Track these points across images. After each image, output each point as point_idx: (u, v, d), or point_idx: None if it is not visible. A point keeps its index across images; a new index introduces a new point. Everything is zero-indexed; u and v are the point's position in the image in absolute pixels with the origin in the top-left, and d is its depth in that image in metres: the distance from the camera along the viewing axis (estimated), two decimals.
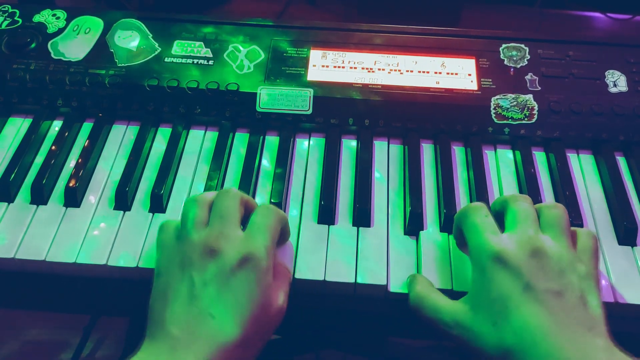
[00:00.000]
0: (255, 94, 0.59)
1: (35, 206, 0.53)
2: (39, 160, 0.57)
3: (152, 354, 0.40)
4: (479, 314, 0.42)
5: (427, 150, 0.59)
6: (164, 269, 0.44)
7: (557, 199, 0.55)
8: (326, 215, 0.52)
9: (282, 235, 0.48)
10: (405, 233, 0.52)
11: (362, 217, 0.52)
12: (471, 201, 0.54)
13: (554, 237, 0.43)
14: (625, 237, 0.51)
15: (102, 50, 0.62)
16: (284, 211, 0.53)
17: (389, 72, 0.61)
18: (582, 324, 0.39)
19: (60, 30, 0.64)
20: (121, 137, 0.59)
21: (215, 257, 0.42)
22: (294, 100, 0.59)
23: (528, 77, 0.60)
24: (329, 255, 0.50)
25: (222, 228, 0.43)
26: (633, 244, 0.51)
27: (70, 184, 0.53)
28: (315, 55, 0.61)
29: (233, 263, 0.41)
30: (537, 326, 0.39)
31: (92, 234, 0.51)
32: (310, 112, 0.59)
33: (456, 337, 0.43)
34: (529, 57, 0.62)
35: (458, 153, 0.59)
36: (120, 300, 0.55)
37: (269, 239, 0.44)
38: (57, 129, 0.59)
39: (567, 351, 0.38)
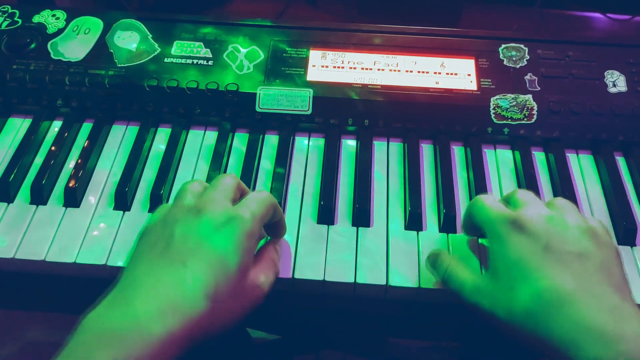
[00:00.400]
0: (255, 94, 0.59)
1: (34, 206, 0.53)
2: (39, 160, 0.57)
3: (115, 294, 0.38)
4: (498, 279, 0.41)
5: (427, 151, 0.59)
6: (148, 227, 0.42)
7: None
8: (326, 215, 0.52)
9: (276, 227, 0.47)
10: (405, 233, 0.52)
11: (361, 217, 0.52)
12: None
13: (568, 210, 0.42)
14: (624, 237, 0.52)
15: (101, 50, 0.62)
16: (283, 211, 0.53)
17: (389, 73, 0.61)
18: (610, 285, 0.38)
19: (60, 31, 0.64)
20: (121, 138, 0.59)
21: (200, 216, 0.40)
22: (293, 100, 0.59)
23: (527, 77, 0.60)
24: (329, 255, 0.50)
25: (214, 195, 0.42)
26: (632, 244, 0.51)
27: (70, 184, 0.53)
28: (315, 56, 0.62)
29: (217, 221, 0.40)
30: (560, 285, 0.38)
31: (91, 234, 0.51)
32: (309, 112, 0.59)
33: (479, 307, 0.42)
34: (528, 57, 0.62)
35: (457, 153, 0.59)
36: None
37: (258, 209, 0.42)
38: (56, 129, 0.59)
39: (594, 312, 0.36)
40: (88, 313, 0.37)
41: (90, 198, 0.54)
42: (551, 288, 0.38)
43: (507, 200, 0.46)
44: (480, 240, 0.51)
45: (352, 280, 0.48)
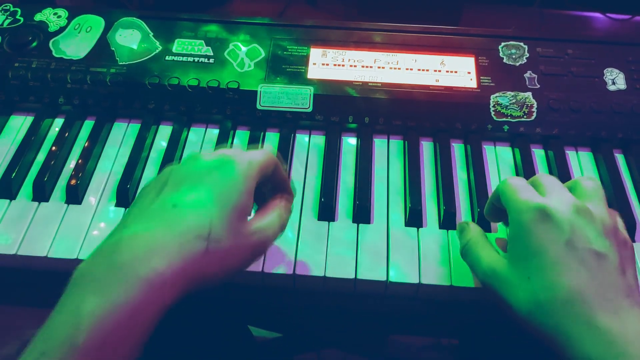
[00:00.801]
0: (256, 92, 0.59)
1: (37, 203, 0.53)
2: (41, 157, 0.57)
3: (100, 247, 0.36)
4: (515, 266, 0.41)
5: (427, 148, 0.59)
6: (147, 183, 0.42)
7: None
8: (326, 212, 0.52)
9: (280, 187, 0.46)
10: (405, 230, 0.52)
11: (362, 213, 0.52)
12: (471, 199, 0.55)
13: (595, 202, 0.42)
14: None
15: (103, 48, 0.62)
16: None
17: (389, 70, 0.61)
18: (620, 290, 0.38)
19: (61, 29, 0.64)
20: (122, 135, 0.59)
21: (194, 160, 0.40)
22: (294, 98, 0.59)
23: (527, 75, 0.60)
24: (329, 252, 0.50)
25: (218, 151, 0.41)
26: (632, 241, 0.51)
27: (72, 182, 0.54)
28: (316, 54, 0.62)
29: (210, 164, 0.39)
30: (574, 284, 0.38)
31: (93, 230, 0.51)
32: (310, 109, 0.59)
33: (491, 288, 0.42)
34: (528, 55, 0.62)
35: (457, 150, 0.59)
36: None
37: (256, 156, 0.41)
38: (58, 127, 0.59)
39: (602, 315, 0.37)
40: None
41: (92, 195, 0.54)
42: (566, 286, 0.38)
43: (533, 184, 0.45)
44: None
45: (352, 276, 0.48)
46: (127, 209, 0.41)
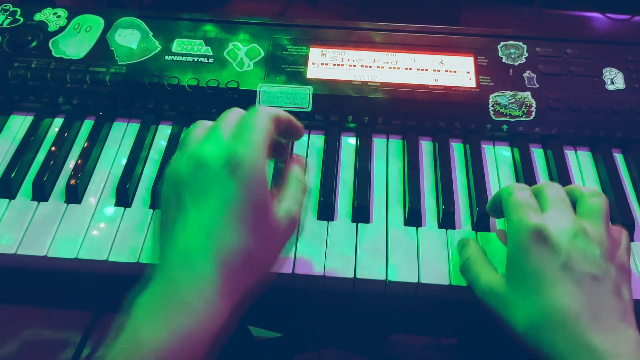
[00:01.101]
0: (255, 91, 0.59)
1: (36, 203, 0.53)
2: (40, 157, 0.57)
3: (155, 288, 0.37)
4: (512, 285, 0.42)
5: (426, 148, 0.59)
6: (162, 196, 0.41)
7: None
8: (326, 211, 0.52)
9: (288, 131, 0.45)
10: (404, 229, 0.52)
11: (361, 213, 0.52)
12: (470, 198, 0.55)
13: (596, 223, 0.42)
14: None
15: (102, 48, 0.62)
16: None
17: (388, 70, 0.61)
18: (615, 312, 0.39)
19: (61, 29, 0.64)
20: (122, 135, 0.60)
21: (201, 167, 0.38)
22: (293, 97, 0.59)
23: (526, 74, 0.60)
24: (329, 251, 0.50)
25: (211, 136, 0.40)
26: (630, 240, 0.52)
27: (71, 181, 0.54)
28: (315, 53, 0.62)
29: (217, 169, 0.38)
30: (569, 306, 0.39)
31: (93, 230, 0.51)
32: (309, 109, 0.59)
33: (488, 306, 0.43)
34: (527, 54, 0.62)
35: (457, 150, 0.59)
36: (122, 297, 0.55)
37: (256, 135, 0.39)
38: (58, 126, 0.59)
39: (597, 336, 0.37)
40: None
41: (92, 195, 0.54)
42: (561, 307, 0.39)
43: (537, 193, 0.46)
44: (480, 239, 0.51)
45: (352, 275, 0.48)
46: (161, 233, 0.40)
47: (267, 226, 0.39)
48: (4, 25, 0.64)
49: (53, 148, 0.57)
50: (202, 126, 0.42)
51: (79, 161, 0.55)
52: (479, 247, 0.48)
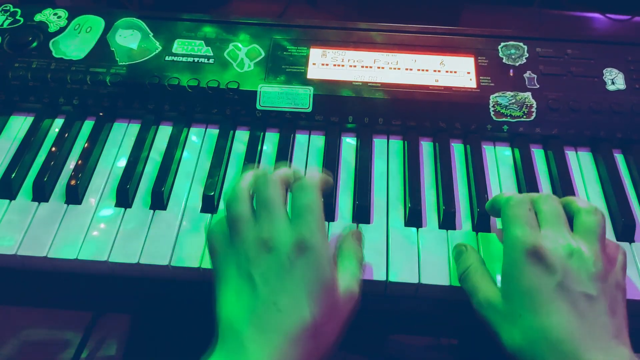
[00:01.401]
0: (256, 92, 0.59)
1: (37, 203, 0.53)
2: (41, 158, 0.57)
3: (223, 354, 0.39)
4: (507, 302, 0.42)
5: (427, 148, 0.59)
6: (222, 274, 0.43)
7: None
8: (326, 212, 0.52)
9: (326, 188, 0.47)
10: (405, 230, 0.52)
11: (361, 213, 0.52)
12: (470, 199, 0.55)
13: (591, 242, 0.43)
14: (623, 233, 0.52)
15: (103, 49, 0.62)
16: None
17: (389, 70, 0.61)
18: (609, 331, 0.39)
19: (61, 29, 0.64)
20: (122, 135, 0.60)
21: (270, 251, 0.41)
22: (294, 98, 0.59)
23: (527, 75, 0.60)
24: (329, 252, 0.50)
25: (270, 218, 0.42)
26: (631, 240, 0.52)
27: (72, 182, 0.54)
28: (315, 54, 0.62)
29: (288, 251, 0.40)
30: (564, 326, 0.39)
31: (93, 230, 0.51)
32: (310, 110, 0.59)
33: (484, 320, 0.44)
34: (527, 55, 0.62)
35: (457, 150, 0.59)
36: (122, 297, 0.55)
37: (316, 217, 0.42)
38: (58, 127, 0.59)
39: (591, 355, 0.38)
40: None
41: (92, 195, 0.54)
42: (556, 326, 0.39)
43: (534, 204, 0.46)
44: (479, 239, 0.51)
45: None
46: (224, 301, 0.42)
47: (333, 302, 0.41)
48: (5, 25, 0.64)
49: (53, 149, 0.57)
50: (244, 199, 0.44)
51: (80, 162, 0.55)
52: (477, 256, 0.48)
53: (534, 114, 0.58)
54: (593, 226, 0.44)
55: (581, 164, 0.58)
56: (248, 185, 0.45)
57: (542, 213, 0.45)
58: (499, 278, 0.46)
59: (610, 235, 0.52)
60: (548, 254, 0.41)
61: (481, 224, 0.52)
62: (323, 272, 0.41)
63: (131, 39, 0.63)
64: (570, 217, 0.45)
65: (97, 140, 0.58)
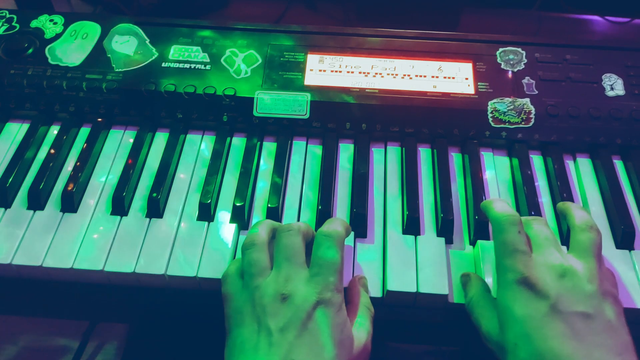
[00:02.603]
0: (253, 98, 0.59)
1: (32, 211, 0.53)
2: (36, 165, 0.57)
3: None
4: (504, 332, 0.42)
5: (425, 155, 0.59)
6: (236, 321, 0.43)
7: (554, 203, 0.55)
8: (324, 219, 0.52)
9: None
10: (403, 237, 0.52)
11: (359, 221, 0.52)
12: (467, 206, 0.54)
13: (586, 260, 0.42)
14: (622, 240, 0.51)
15: (99, 55, 0.62)
16: (281, 216, 0.53)
17: (386, 77, 0.60)
18: (610, 350, 0.38)
19: (57, 36, 0.64)
20: (118, 142, 0.59)
21: (288, 303, 0.41)
22: (291, 104, 0.59)
23: (525, 80, 0.60)
24: None
25: (288, 270, 0.43)
26: (630, 248, 0.51)
27: (68, 189, 0.53)
28: (313, 60, 0.61)
29: (306, 306, 0.40)
30: (560, 349, 0.38)
31: (89, 239, 0.51)
32: (307, 116, 0.59)
33: (492, 351, 0.43)
34: (525, 60, 0.62)
35: (455, 157, 0.59)
36: (118, 306, 0.55)
37: (335, 273, 0.43)
38: (54, 134, 0.59)
39: None
40: None
41: (88, 203, 0.54)
42: (551, 351, 0.39)
43: (526, 226, 0.46)
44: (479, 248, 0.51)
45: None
46: (234, 352, 0.42)
47: (348, 356, 0.41)
48: (0, 32, 0.64)
49: (49, 156, 0.57)
50: (262, 247, 0.45)
51: (75, 169, 0.55)
52: (480, 284, 0.47)
53: (532, 120, 0.58)
54: (589, 244, 0.44)
55: (580, 171, 0.58)
56: (266, 234, 0.46)
57: (531, 237, 0.45)
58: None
59: (609, 243, 0.52)
60: (539, 281, 0.41)
61: (479, 232, 0.52)
62: (341, 329, 0.41)
63: (127, 45, 0.63)
64: (568, 229, 0.45)
65: (93, 147, 0.57)
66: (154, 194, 0.53)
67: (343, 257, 0.44)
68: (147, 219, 0.52)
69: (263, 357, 0.39)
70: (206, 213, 0.53)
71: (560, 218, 0.49)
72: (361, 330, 0.43)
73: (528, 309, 0.40)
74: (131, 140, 0.59)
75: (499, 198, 0.51)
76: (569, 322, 0.39)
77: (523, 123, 0.58)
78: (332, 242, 0.44)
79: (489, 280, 0.48)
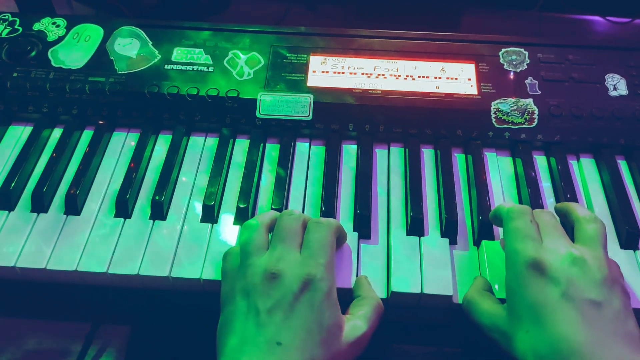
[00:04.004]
0: (256, 100, 0.59)
1: (35, 214, 0.53)
2: (40, 168, 0.57)
3: None
4: (514, 319, 0.41)
5: (428, 156, 0.59)
6: (228, 298, 0.43)
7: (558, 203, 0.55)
8: None
9: (338, 240, 0.48)
10: (406, 239, 0.51)
11: (363, 222, 0.52)
12: (472, 206, 0.54)
13: (594, 249, 0.42)
14: (627, 241, 0.51)
15: (102, 57, 0.62)
16: None
17: (389, 78, 0.60)
18: (620, 338, 0.38)
19: (60, 38, 0.64)
20: (121, 145, 0.59)
21: (277, 282, 0.41)
22: (294, 106, 0.59)
23: (528, 81, 0.60)
24: None
25: (281, 251, 0.43)
26: (635, 248, 0.51)
27: (71, 192, 0.53)
28: (315, 61, 0.62)
29: (295, 288, 0.41)
30: (573, 335, 0.38)
31: (92, 241, 0.51)
32: (310, 118, 0.59)
33: (495, 341, 0.43)
34: (528, 61, 0.61)
35: (458, 158, 0.59)
36: (121, 308, 0.55)
37: (326, 255, 0.43)
38: (57, 136, 0.59)
39: None
40: None
41: (91, 205, 0.54)
42: (564, 337, 0.38)
43: (536, 216, 0.46)
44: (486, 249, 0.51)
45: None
46: (225, 331, 0.42)
47: (336, 345, 0.40)
48: (3, 35, 0.64)
49: (52, 159, 0.56)
50: (261, 228, 0.45)
51: (79, 172, 0.55)
52: (481, 281, 0.48)
53: (535, 121, 0.58)
54: (595, 234, 0.44)
55: (584, 171, 0.58)
56: (268, 219, 0.46)
57: (541, 225, 0.45)
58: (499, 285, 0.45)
59: (614, 243, 0.52)
60: (550, 265, 0.41)
61: (483, 232, 0.51)
62: (327, 313, 0.41)
63: (130, 47, 0.63)
64: (571, 227, 0.45)
65: (96, 150, 0.57)
66: (157, 197, 0.53)
67: (334, 244, 0.45)
68: (151, 221, 0.52)
69: (250, 338, 0.39)
70: (210, 215, 0.53)
71: (561, 217, 0.49)
72: (359, 321, 0.43)
73: (540, 294, 0.40)
74: (134, 143, 0.59)
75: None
76: (580, 309, 0.39)
77: (526, 123, 0.58)
78: (323, 227, 0.45)
79: (490, 280, 0.48)
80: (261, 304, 0.40)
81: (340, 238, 0.48)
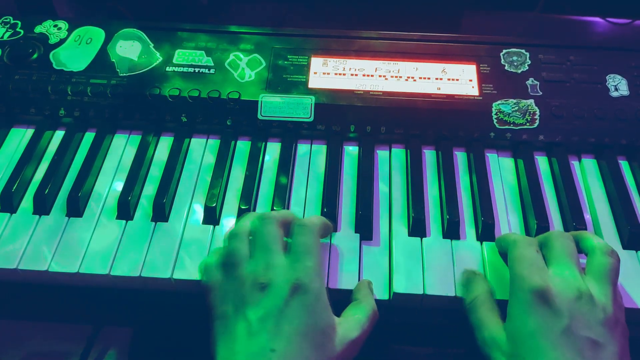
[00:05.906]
0: (257, 102, 0.59)
1: (37, 216, 0.53)
2: (42, 170, 0.57)
3: None
4: (512, 343, 0.41)
5: (429, 157, 0.59)
6: (219, 311, 0.43)
7: (560, 204, 0.55)
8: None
9: (325, 232, 0.48)
10: (408, 240, 0.51)
11: (364, 223, 0.52)
12: (474, 207, 0.54)
13: (603, 285, 0.42)
14: (629, 241, 0.51)
15: (103, 60, 0.62)
16: None
17: (390, 79, 0.61)
18: None
19: (61, 41, 0.64)
20: (123, 147, 0.59)
21: (266, 291, 0.41)
22: (295, 107, 0.59)
23: (529, 82, 0.60)
24: (332, 262, 0.49)
25: (266, 258, 0.43)
26: (637, 249, 0.51)
27: (73, 194, 0.53)
28: (316, 63, 0.62)
29: (285, 294, 0.40)
30: None
31: (94, 243, 0.51)
32: (311, 119, 0.59)
33: (489, 357, 0.43)
34: (529, 62, 0.62)
35: (460, 159, 0.59)
36: (123, 310, 0.55)
37: (313, 258, 0.43)
38: (59, 139, 0.59)
39: None
40: None
41: (93, 207, 0.54)
42: None
43: (544, 242, 0.45)
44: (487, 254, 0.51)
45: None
46: (218, 343, 0.42)
47: (330, 346, 0.40)
48: (5, 37, 0.64)
49: (54, 161, 0.57)
50: (242, 237, 0.45)
51: (81, 174, 0.55)
52: (486, 286, 0.47)
53: (537, 121, 0.58)
54: (607, 268, 0.43)
55: (585, 171, 0.58)
56: (249, 224, 0.46)
57: (553, 250, 0.44)
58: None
59: (616, 243, 0.52)
60: (555, 297, 0.40)
61: (486, 234, 0.51)
62: (319, 316, 0.41)
63: (131, 49, 0.63)
64: (585, 254, 0.45)
65: (98, 152, 0.57)
66: (159, 199, 0.53)
67: (319, 244, 0.45)
68: (153, 223, 0.52)
69: (243, 348, 0.39)
70: (211, 216, 0.53)
71: (580, 245, 0.48)
72: (353, 324, 0.43)
73: (542, 325, 0.40)
74: (136, 145, 0.59)
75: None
76: (579, 346, 0.39)
77: (528, 124, 0.58)
78: (308, 229, 0.45)
79: (490, 280, 0.48)
80: (252, 314, 0.40)
81: (326, 231, 0.48)
